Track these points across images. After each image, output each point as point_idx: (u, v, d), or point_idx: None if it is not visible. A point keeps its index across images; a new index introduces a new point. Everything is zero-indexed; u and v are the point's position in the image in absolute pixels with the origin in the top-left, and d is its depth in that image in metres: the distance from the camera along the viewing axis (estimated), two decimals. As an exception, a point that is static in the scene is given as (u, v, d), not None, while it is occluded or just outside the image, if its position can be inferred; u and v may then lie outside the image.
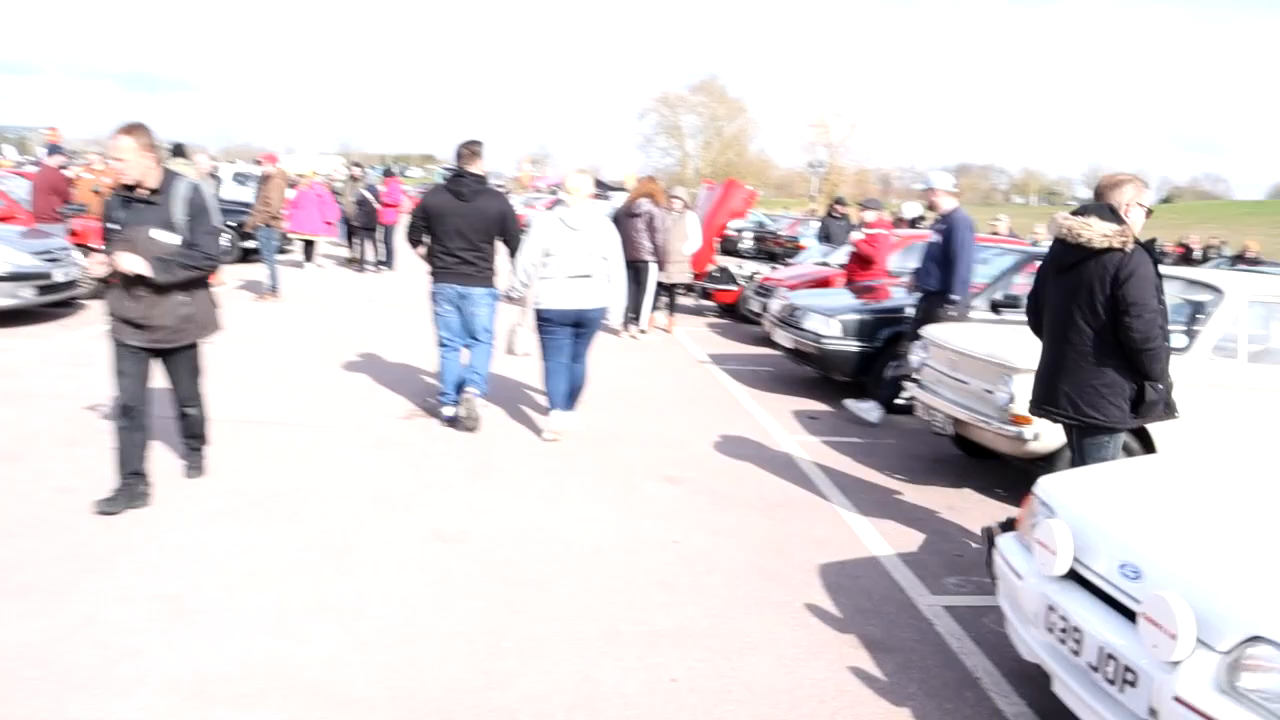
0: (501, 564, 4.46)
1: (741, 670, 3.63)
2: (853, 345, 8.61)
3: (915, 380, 7.02)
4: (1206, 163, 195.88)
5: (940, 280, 7.72)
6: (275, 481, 5.38)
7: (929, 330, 6.96)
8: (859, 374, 8.65)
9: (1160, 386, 4.23)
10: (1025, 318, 8.04)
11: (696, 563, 4.66)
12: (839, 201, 15.99)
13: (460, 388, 6.93)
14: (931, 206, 8.04)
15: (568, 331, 6.72)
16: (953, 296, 7.65)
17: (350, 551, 4.47)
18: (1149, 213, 4.41)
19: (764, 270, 14.04)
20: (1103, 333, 4.21)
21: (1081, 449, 4.40)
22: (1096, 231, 4.14)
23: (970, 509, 5.92)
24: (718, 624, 4.00)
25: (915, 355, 7.13)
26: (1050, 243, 4.56)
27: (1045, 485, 3.57)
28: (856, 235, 10.61)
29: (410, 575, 4.26)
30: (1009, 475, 6.63)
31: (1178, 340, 6.09)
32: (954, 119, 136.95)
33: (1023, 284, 9.25)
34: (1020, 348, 5.92)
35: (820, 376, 9.25)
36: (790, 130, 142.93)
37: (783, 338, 9.37)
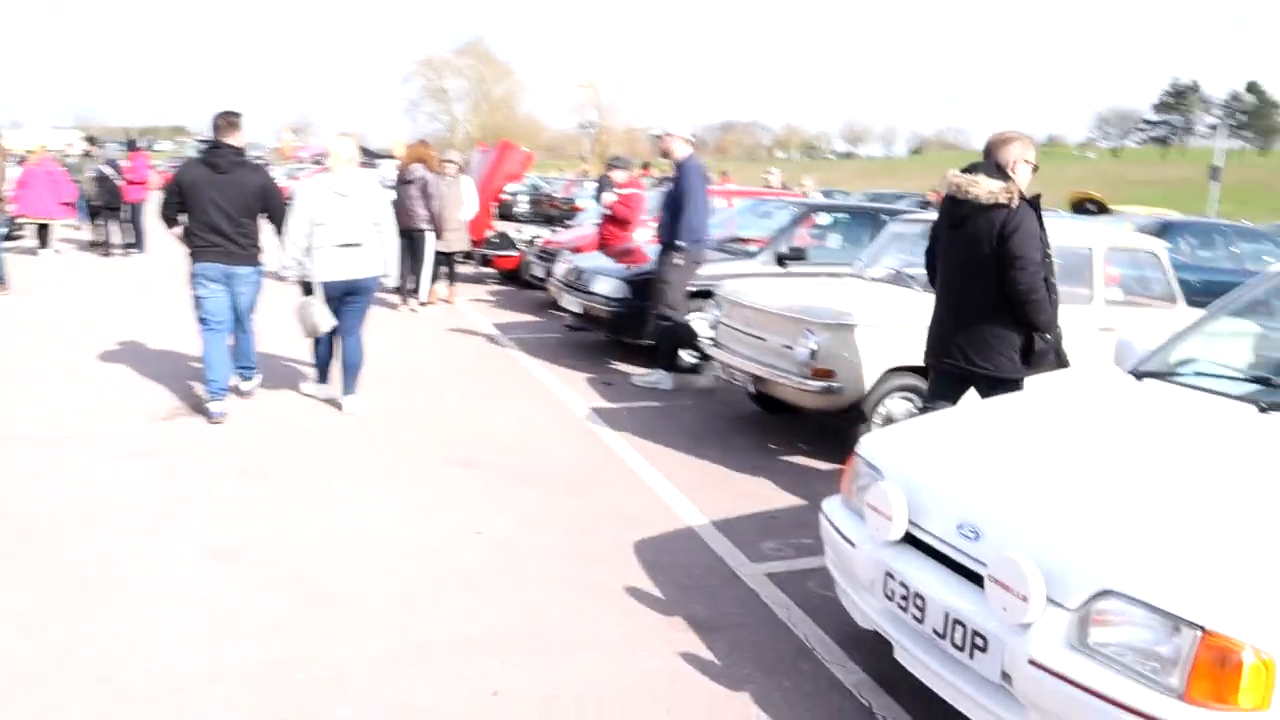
0: (288, 580, 3.93)
1: (567, 671, 3.32)
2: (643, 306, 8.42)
3: (711, 339, 6.91)
4: (951, 116, 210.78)
5: (671, 230, 7.63)
6: (4, 506, 4.57)
7: (725, 288, 6.84)
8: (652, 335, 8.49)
9: (1049, 337, 4.33)
10: (812, 270, 8.05)
11: (504, 554, 4.31)
12: (615, 161, 15.79)
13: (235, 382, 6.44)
14: (666, 154, 7.86)
15: (337, 303, 6.40)
16: (678, 243, 7.53)
17: (104, 585, 3.78)
18: (1035, 169, 4.50)
19: (543, 234, 13.69)
20: (992, 286, 4.30)
21: None
22: (984, 188, 4.26)
23: (776, 467, 5.86)
24: (535, 621, 3.67)
25: (709, 313, 7.01)
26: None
27: (869, 446, 3.44)
28: (609, 197, 10.32)
29: (181, 606, 3.65)
30: (810, 430, 6.63)
31: None
32: (719, 78, 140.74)
33: (804, 237, 9.43)
34: (819, 302, 5.89)
35: (611, 340, 9.02)
36: (559, 92, 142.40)
37: (570, 302, 9.07)
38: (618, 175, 10.65)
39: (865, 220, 9.79)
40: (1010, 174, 4.35)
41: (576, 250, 10.71)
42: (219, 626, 3.51)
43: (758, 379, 6.18)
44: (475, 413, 6.75)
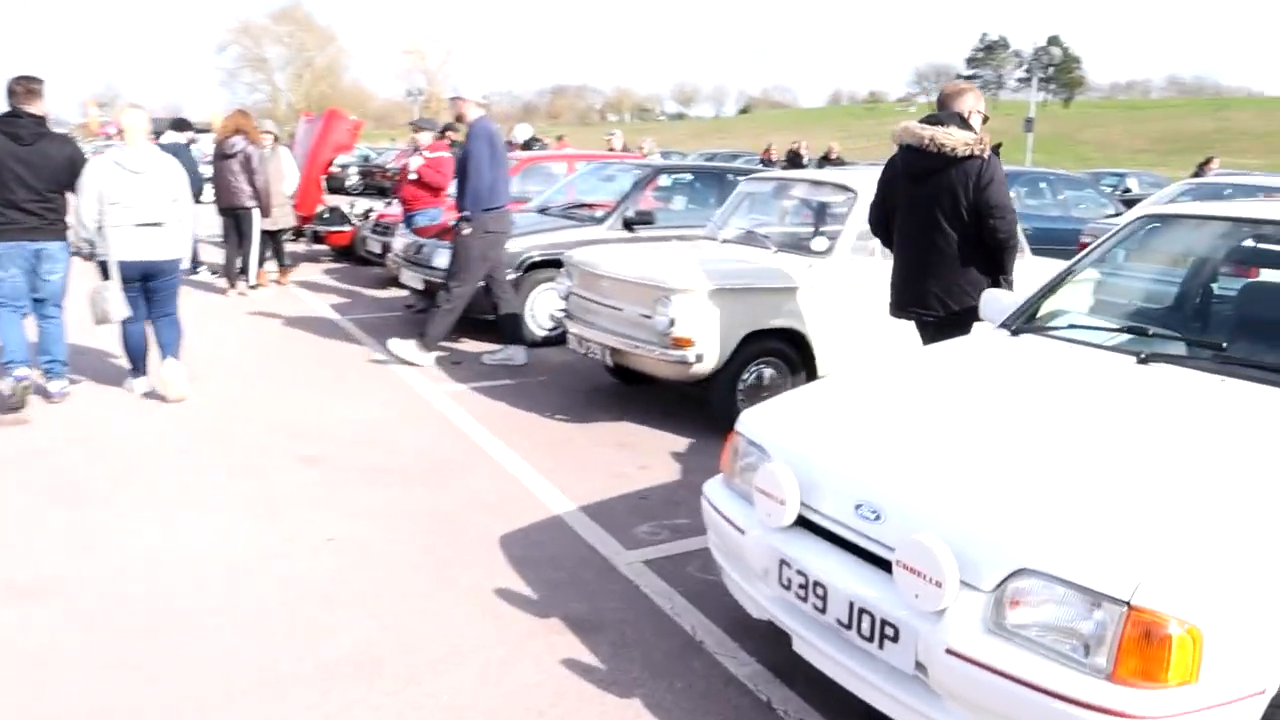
0: (111, 612, 3.44)
1: (441, 694, 2.99)
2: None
3: (564, 311, 6.60)
4: (776, 74, 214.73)
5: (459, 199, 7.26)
6: None
7: (575, 256, 6.52)
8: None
9: (1010, 279, 4.45)
10: (660, 234, 7.75)
11: (359, 561, 3.93)
12: (449, 128, 15.18)
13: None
14: (460, 118, 7.49)
15: (137, 287, 5.99)
16: (464, 212, 7.15)
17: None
18: (986, 119, 4.56)
19: (377, 207, 13.04)
20: (966, 235, 4.37)
21: None
22: (959, 140, 4.29)
23: (641, 443, 5.63)
24: (399, 638, 3.32)
25: (559, 284, 6.70)
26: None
27: (751, 422, 3.21)
28: (416, 160, 9.80)
29: (-26, 656, 3.14)
30: (670, 400, 6.43)
31: (819, 244, 6.17)
32: (548, 41, 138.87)
33: (650, 200, 9.20)
34: (675, 268, 5.66)
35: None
36: (385, 59, 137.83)
37: (411, 278, 8.59)
38: (423, 137, 10.11)
39: (711, 181, 9.67)
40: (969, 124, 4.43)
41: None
42: (30, 674, 3.02)
43: (614, 351, 5.92)
44: (315, 403, 6.25)
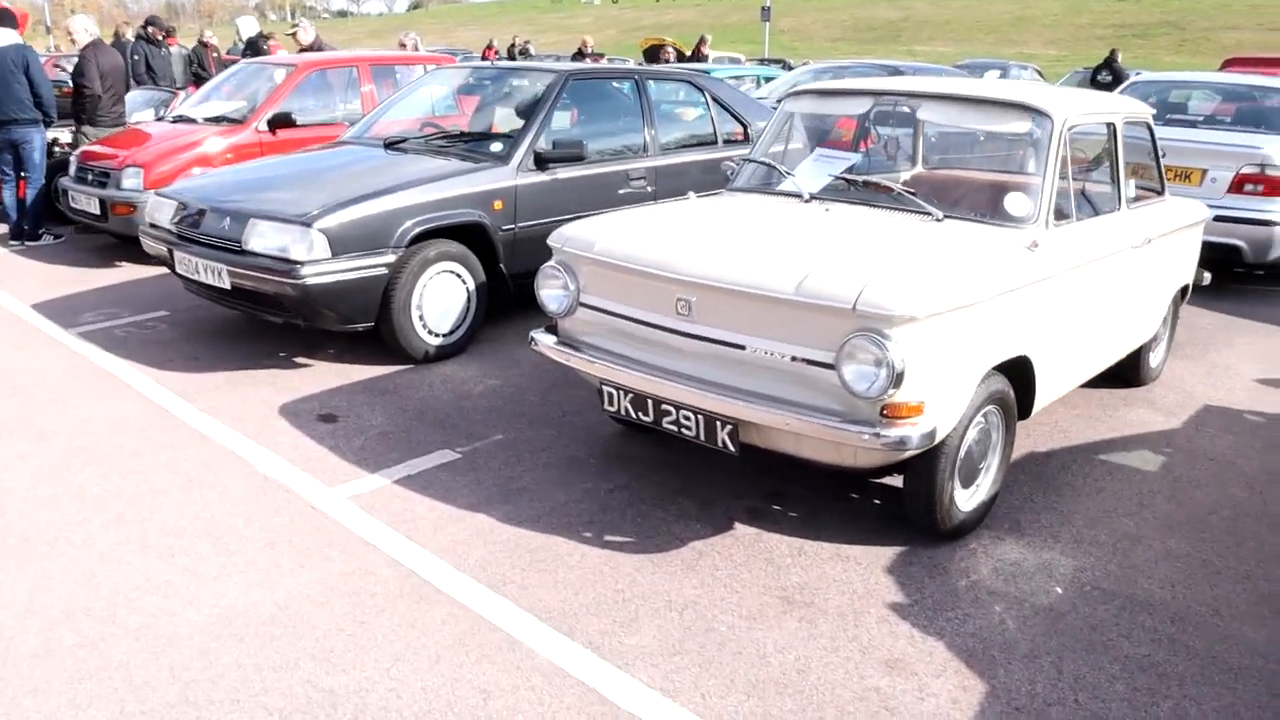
0: None
1: None
2: (367, 267, 4.87)
3: (559, 337, 3.81)
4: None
5: None
6: None
7: (588, 236, 3.70)
8: (382, 319, 5.03)
9: None
10: (587, 175, 4.81)
11: None
12: (151, 22, 11.06)
13: None
14: None
15: None
16: None
17: None
18: None
19: (63, 136, 8.97)
20: None
21: None
22: None
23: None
24: None
25: (549, 285, 3.86)
26: None
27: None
28: None
29: None
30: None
31: (1019, 206, 3.81)
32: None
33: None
34: (875, 271, 3.11)
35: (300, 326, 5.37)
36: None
37: (207, 272, 5.17)
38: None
39: (636, 93, 6.80)
40: None
41: (166, 172, 6.70)
42: None
43: (737, 425, 3.28)
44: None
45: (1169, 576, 3.29)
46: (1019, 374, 3.49)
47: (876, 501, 3.73)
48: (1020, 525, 3.60)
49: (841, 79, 9.68)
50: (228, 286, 4.93)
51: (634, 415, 3.45)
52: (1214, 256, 6.57)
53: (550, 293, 3.71)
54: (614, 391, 3.48)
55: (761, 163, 4.28)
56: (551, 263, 3.71)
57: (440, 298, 5.15)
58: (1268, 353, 5.87)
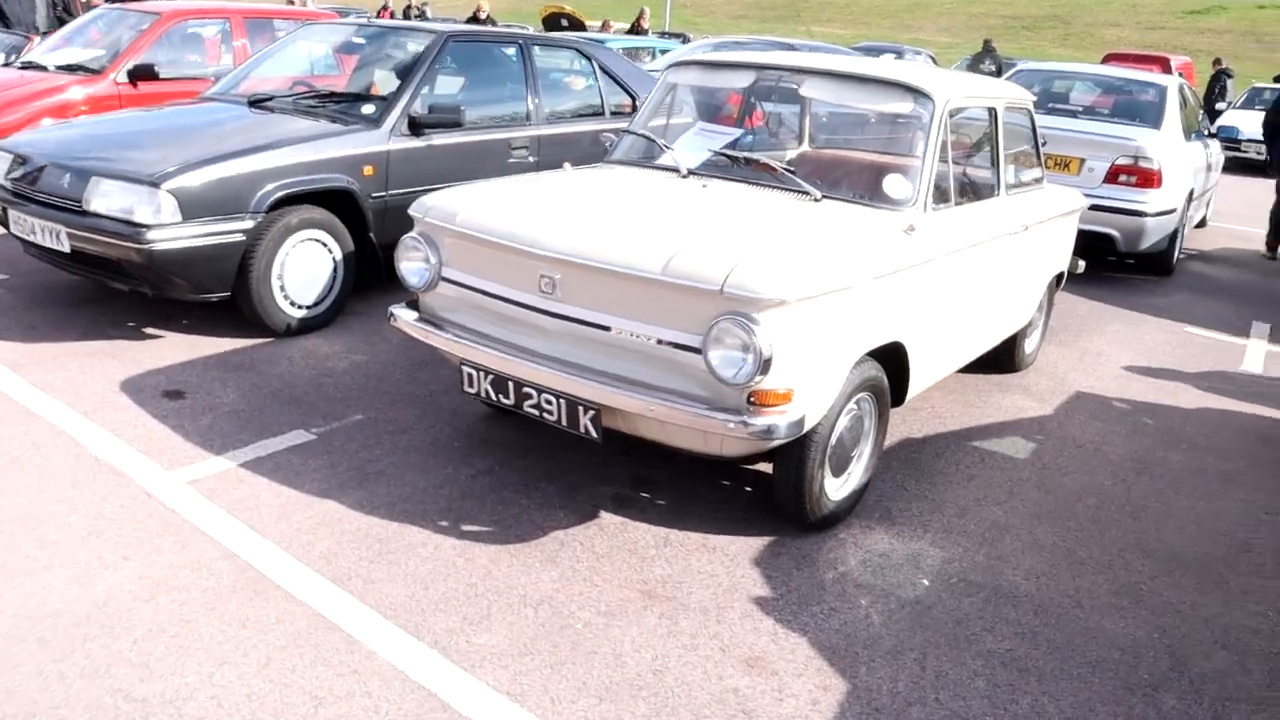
0: None
1: None
2: (221, 233, 4.54)
3: (419, 312, 3.60)
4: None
5: None
6: None
7: (447, 205, 3.49)
8: (239, 289, 4.72)
9: None
10: (467, 142, 4.64)
11: None
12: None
13: None
14: None
15: None
16: None
17: None
18: None
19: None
20: None
21: None
22: None
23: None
24: None
25: (410, 256, 3.64)
26: None
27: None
28: None
29: None
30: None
31: (897, 188, 3.72)
32: None
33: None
34: (742, 249, 2.97)
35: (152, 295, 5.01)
36: None
37: (44, 233, 4.77)
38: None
39: (519, 57, 6.54)
40: None
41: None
42: None
43: (600, 410, 3.12)
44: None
45: (1034, 567, 3.27)
46: (893, 360, 3.43)
47: (748, 489, 3.63)
48: (891, 514, 3.54)
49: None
50: (67, 250, 4.55)
51: (494, 398, 3.27)
52: (1089, 244, 6.71)
53: (410, 265, 3.49)
54: (474, 372, 3.29)
55: (641, 135, 4.12)
56: (412, 234, 3.49)
57: (304, 267, 4.86)
58: (1136, 340, 6.01)
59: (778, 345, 2.73)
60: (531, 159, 5.83)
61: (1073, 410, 4.73)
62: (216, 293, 4.64)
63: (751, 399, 2.81)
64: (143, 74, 6.99)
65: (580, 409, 3.04)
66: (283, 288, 4.81)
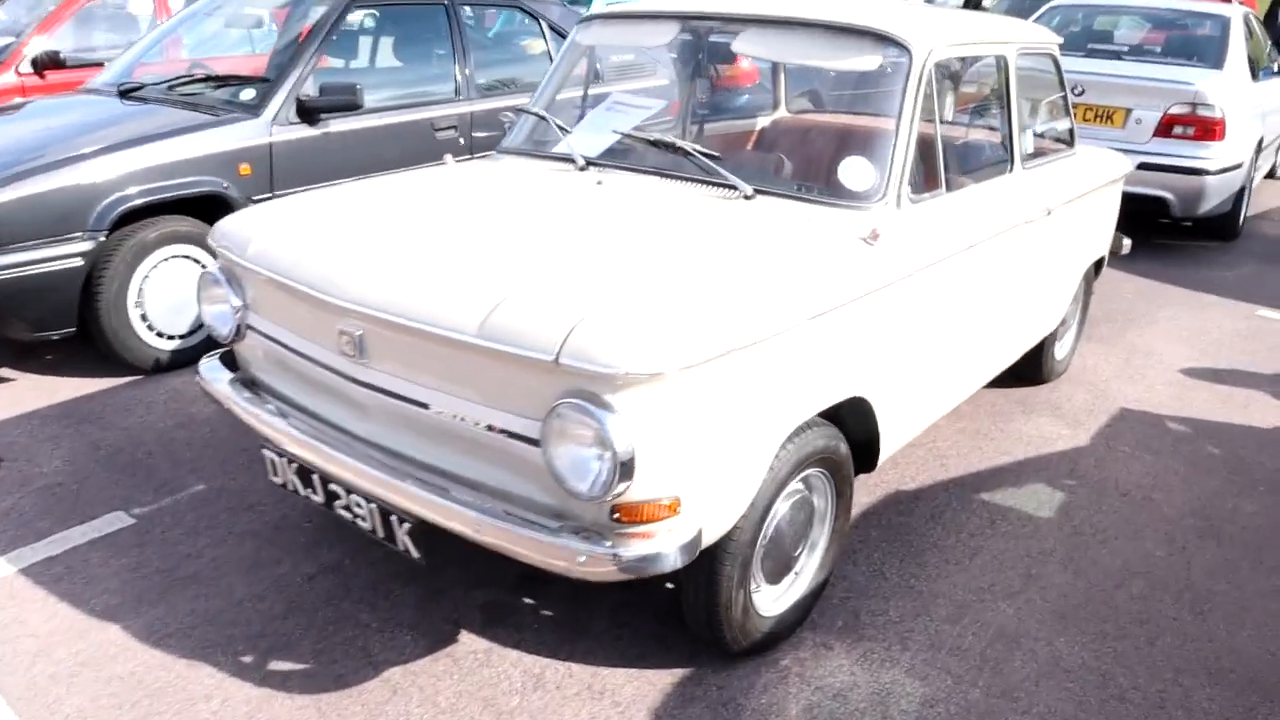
0: None
1: None
2: (50, 259, 3.71)
3: (234, 369, 2.74)
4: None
5: None
6: None
7: (241, 231, 2.61)
8: (89, 323, 3.91)
9: None
10: (372, 127, 4.67)
11: None
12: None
13: None
14: None
15: None
16: None
17: None
18: None
19: None
20: None
21: None
22: None
23: None
24: None
25: (209, 295, 2.78)
26: None
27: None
28: None
29: None
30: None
31: (858, 177, 2.75)
32: None
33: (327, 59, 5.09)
34: (599, 293, 2.04)
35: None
36: None
37: None
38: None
39: (435, 23, 5.63)
40: None
41: None
42: None
43: (416, 525, 2.25)
44: None
45: (1052, 708, 2.35)
46: (857, 416, 2.50)
47: (669, 584, 2.74)
48: (859, 620, 2.63)
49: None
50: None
51: (301, 491, 2.41)
52: (1136, 210, 5.66)
53: (211, 310, 2.63)
54: (275, 458, 2.43)
55: (536, 115, 3.19)
56: (212, 268, 2.62)
57: (171, 290, 4.04)
58: (1195, 331, 4.97)
59: (643, 439, 1.83)
60: (462, 140, 4.93)
61: (1115, 437, 3.75)
62: (57, 330, 3.83)
63: (616, 514, 1.92)
64: (49, 63, 6.19)
65: (395, 519, 2.17)
66: (144, 317, 3.99)
